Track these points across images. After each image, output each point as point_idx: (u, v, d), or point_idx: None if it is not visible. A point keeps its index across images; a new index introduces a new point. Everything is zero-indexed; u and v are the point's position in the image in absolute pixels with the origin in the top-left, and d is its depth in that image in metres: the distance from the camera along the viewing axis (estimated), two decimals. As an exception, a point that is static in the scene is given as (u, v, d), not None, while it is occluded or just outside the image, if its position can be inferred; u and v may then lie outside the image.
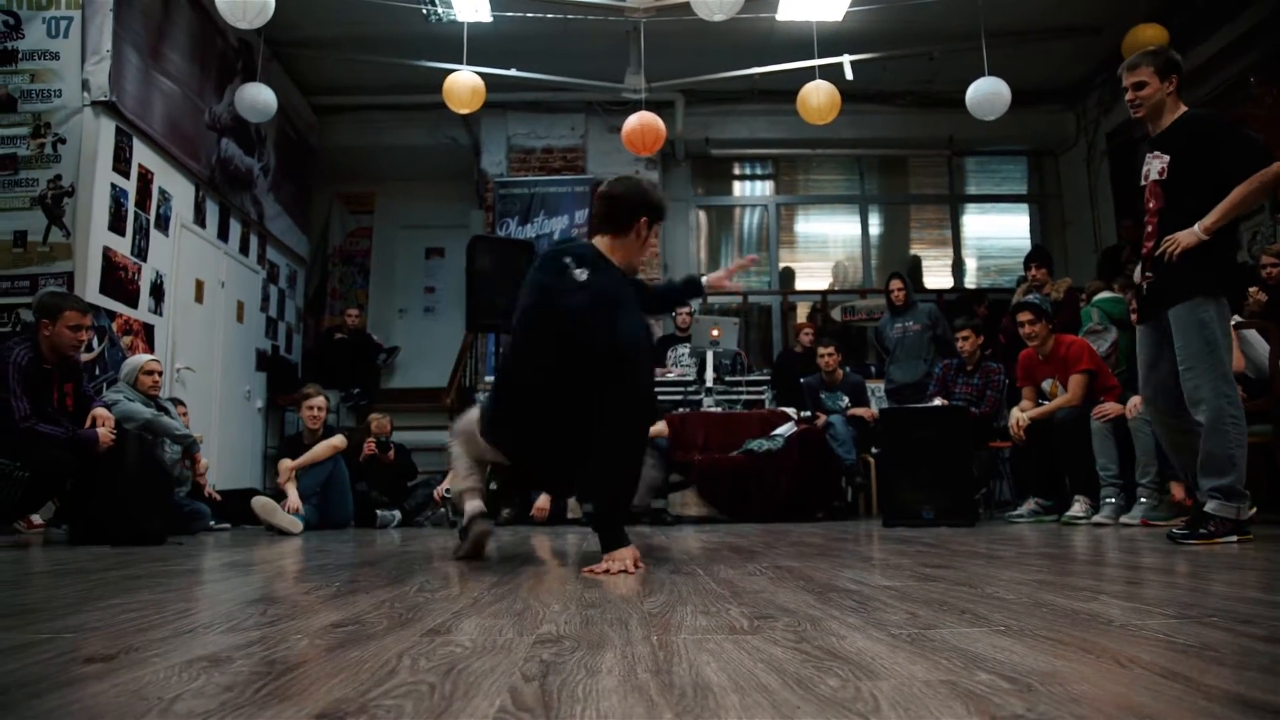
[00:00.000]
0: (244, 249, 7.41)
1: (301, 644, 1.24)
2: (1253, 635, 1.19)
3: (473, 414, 2.81)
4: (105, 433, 3.98)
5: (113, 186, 5.37)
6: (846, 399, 6.18)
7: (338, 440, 5.57)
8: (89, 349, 4.87)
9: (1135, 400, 4.03)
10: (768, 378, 6.47)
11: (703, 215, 9.62)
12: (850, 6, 6.61)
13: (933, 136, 9.03)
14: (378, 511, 5.75)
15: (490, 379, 7.52)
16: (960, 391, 5.47)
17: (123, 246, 5.50)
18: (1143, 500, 4.11)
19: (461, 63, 6.56)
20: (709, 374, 6.06)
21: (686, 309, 7.22)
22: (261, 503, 5.03)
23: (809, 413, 5.91)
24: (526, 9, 6.74)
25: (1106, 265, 7.33)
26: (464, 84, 6.43)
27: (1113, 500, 4.29)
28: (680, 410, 5.82)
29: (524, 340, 2.58)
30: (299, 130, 8.42)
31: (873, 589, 1.78)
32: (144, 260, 5.76)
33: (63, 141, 5.19)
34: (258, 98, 6.30)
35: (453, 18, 6.79)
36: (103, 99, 5.22)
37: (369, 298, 9.58)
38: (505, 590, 1.90)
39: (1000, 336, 6.29)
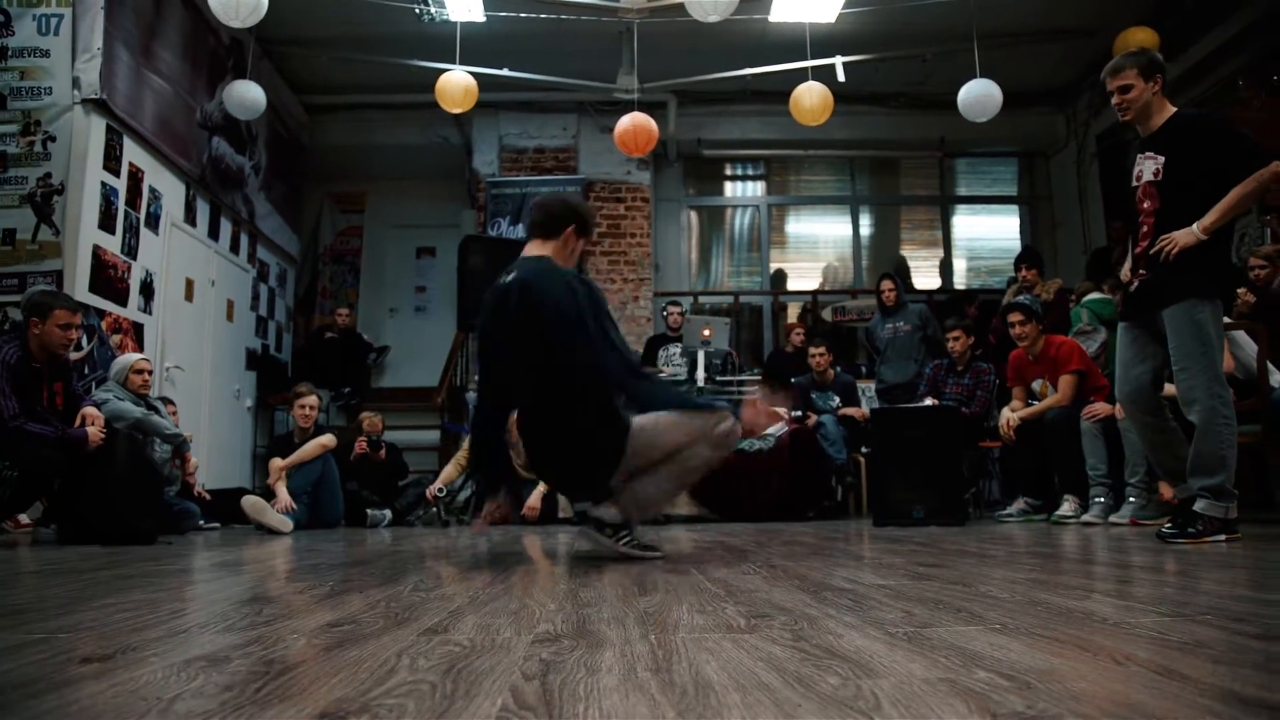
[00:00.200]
0: (234, 248, 7.37)
1: (299, 643, 1.24)
2: (1246, 633, 1.20)
3: None
4: (95, 432, 3.96)
5: (103, 185, 5.34)
6: (838, 399, 6.20)
7: (326, 439, 5.55)
8: (78, 348, 4.84)
9: (1125, 401, 4.05)
10: (759, 377, 6.49)
11: (694, 215, 9.62)
12: (843, 8, 6.62)
13: (924, 138, 9.05)
14: (368, 511, 5.73)
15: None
16: (951, 391, 5.49)
17: (112, 245, 5.46)
18: (1132, 500, 4.13)
19: (454, 62, 6.55)
20: (700, 373, 6.07)
21: (678, 308, 7.24)
22: (252, 502, 5.02)
23: (800, 413, 5.93)
24: (519, 9, 6.73)
25: (1096, 266, 7.37)
26: (456, 83, 6.42)
27: (1102, 500, 4.31)
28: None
29: (482, 357, 2.86)
30: (290, 129, 8.38)
31: (867, 588, 1.79)
32: (134, 259, 5.72)
33: (52, 139, 5.15)
34: (247, 94, 6.26)
35: (445, 17, 6.77)
36: (93, 97, 5.18)
37: (359, 297, 9.54)
38: (500, 589, 1.90)
39: (990, 337, 6.32)
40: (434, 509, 5.78)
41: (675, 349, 6.69)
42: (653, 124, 6.73)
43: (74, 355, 4.65)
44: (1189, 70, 6.93)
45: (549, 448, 2.71)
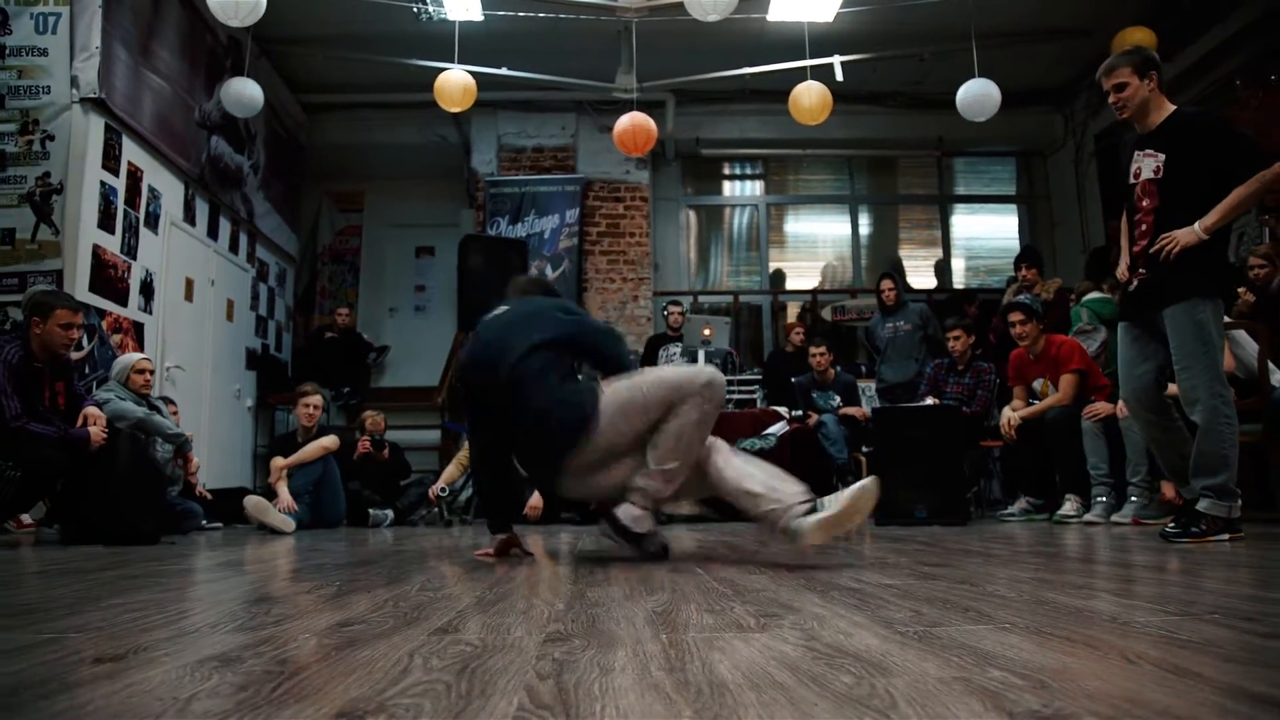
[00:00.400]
0: (234, 247, 7.37)
1: (310, 643, 1.24)
2: (1254, 632, 1.21)
3: None
4: (97, 432, 3.95)
5: (102, 184, 5.33)
6: (838, 398, 6.20)
7: (328, 441, 5.55)
8: (79, 347, 4.84)
9: (1126, 400, 4.06)
10: (759, 377, 6.49)
11: (692, 215, 9.62)
12: (841, 8, 6.62)
13: (922, 137, 9.06)
14: (370, 510, 5.73)
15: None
16: (951, 391, 5.49)
17: (112, 244, 5.45)
18: (1134, 499, 4.14)
19: (452, 61, 6.54)
20: (701, 373, 6.05)
21: (679, 308, 7.24)
22: (254, 502, 5.02)
23: (801, 412, 5.93)
24: (518, 8, 6.73)
25: (1095, 266, 7.38)
26: (455, 82, 6.41)
27: (1104, 499, 4.32)
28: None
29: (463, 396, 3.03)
30: (289, 128, 8.37)
31: (874, 587, 1.79)
32: (133, 258, 5.71)
33: (51, 138, 5.14)
34: (244, 92, 6.25)
35: (444, 16, 6.77)
36: (92, 96, 5.17)
37: (359, 296, 9.53)
38: (506, 589, 1.90)
39: (991, 336, 6.33)
40: (436, 509, 5.78)
41: (676, 348, 6.69)
42: (651, 123, 6.73)
43: (75, 355, 4.65)
44: (1186, 70, 6.94)
45: (523, 434, 2.66)
